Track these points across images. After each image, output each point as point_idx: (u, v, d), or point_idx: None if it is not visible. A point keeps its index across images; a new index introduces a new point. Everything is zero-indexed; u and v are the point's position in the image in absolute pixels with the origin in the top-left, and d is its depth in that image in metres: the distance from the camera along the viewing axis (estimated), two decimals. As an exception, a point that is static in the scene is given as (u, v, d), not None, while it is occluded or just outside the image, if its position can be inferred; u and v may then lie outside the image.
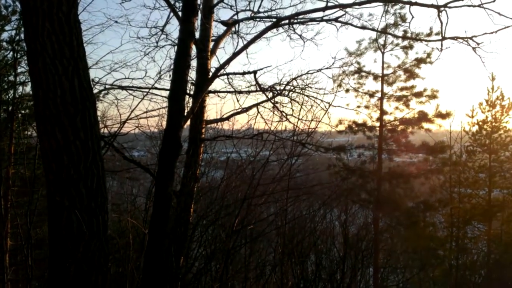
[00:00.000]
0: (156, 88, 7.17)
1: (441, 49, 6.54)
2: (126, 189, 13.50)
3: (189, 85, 6.65)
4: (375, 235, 15.83)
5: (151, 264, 5.64)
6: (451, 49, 6.36)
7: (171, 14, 6.98)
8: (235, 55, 6.78)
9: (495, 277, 16.90)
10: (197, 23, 6.52)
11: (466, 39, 6.17)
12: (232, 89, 7.38)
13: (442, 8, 6.01)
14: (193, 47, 6.42)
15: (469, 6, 5.98)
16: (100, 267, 3.45)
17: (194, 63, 6.65)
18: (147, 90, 7.09)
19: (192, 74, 6.85)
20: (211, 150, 10.89)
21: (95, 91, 6.78)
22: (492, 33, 6.03)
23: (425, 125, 15.01)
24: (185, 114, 5.96)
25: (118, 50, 15.73)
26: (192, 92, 6.75)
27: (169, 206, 5.73)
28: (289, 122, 7.98)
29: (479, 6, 5.85)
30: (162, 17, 25.57)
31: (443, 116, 14.79)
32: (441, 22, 6.08)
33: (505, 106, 18.09)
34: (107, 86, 7.20)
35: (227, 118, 7.48)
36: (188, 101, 6.60)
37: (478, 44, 6.17)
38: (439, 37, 6.41)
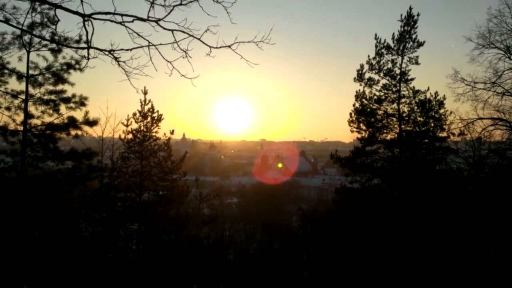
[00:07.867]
0: None
1: (88, 58, 6.46)
2: None
3: None
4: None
5: None
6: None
7: None
8: None
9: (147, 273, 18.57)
10: None
11: (109, 52, 6.27)
12: None
13: (87, 18, 5.95)
14: None
15: (112, 21, 6.12)
16: None
17: None
18: None
19: None
20: None
21: None
22: (127, 50, 6.36)
23: (74, 131, 14.95)
24: None
25: None
26: None
27: None
28: None
29: (121, 23, 6.06)
30: None
31: (91, 123, 15.12)
32: (87, 31, 6.04)
33: (155, 118, 20.29)
34: None
35: None
36: None
37: (116, 58, 6.35)
38: (86, 45, 6.31)
